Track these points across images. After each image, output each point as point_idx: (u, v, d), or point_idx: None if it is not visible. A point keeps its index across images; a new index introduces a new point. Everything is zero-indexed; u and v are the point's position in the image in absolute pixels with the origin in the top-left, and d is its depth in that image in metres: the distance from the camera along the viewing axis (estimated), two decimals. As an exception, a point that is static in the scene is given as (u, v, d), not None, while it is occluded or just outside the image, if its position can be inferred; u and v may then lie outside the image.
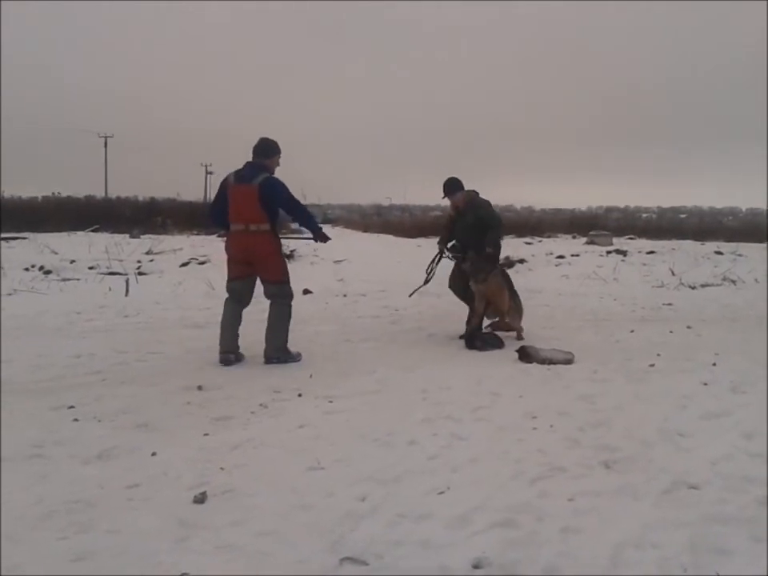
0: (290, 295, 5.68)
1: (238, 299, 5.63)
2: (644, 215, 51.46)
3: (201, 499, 2.90)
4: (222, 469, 3.22)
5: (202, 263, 14.14)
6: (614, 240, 22.85)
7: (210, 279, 10.40)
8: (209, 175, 62.54)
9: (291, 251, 15.96)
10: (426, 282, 6.97)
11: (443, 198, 6.76)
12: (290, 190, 5.60)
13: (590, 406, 4.22)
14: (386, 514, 2.76)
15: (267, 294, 5.67)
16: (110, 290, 9.70)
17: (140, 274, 11.90)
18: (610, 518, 2.73)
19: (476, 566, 2.38)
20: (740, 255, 17.79)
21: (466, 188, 6.75)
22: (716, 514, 2.74)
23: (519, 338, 6.62)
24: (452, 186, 6.68)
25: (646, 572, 2.35)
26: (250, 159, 5.61)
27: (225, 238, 5.85)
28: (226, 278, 5.72)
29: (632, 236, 26.67)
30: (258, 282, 5.67)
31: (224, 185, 5.57)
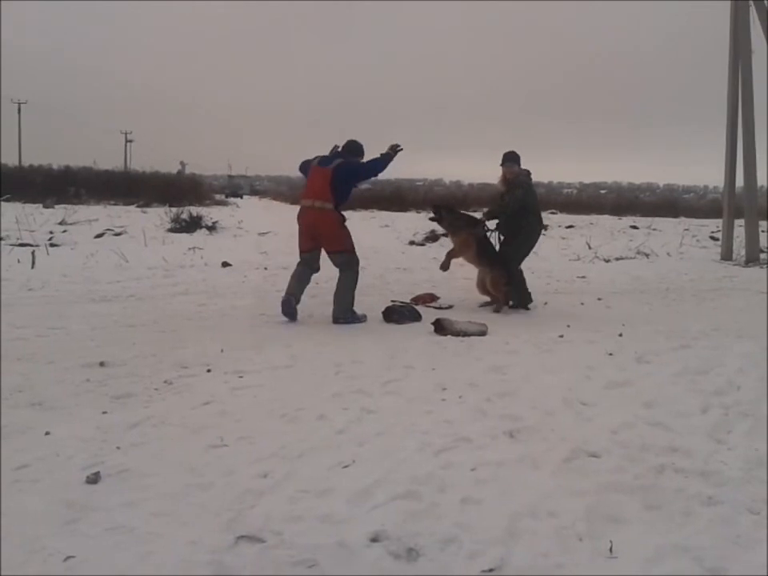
0: (356, 262, 6.27)
1: (309, 265, 6.32)
2: (566, 191, 52.72)
3: (93, 480, 2.78)
4: (117, 448, 3.09)
5: (118, 234, 13.67)
6: (537, 214, 23.37)
7: (125, 251, 10.05)
8: (128, 143, 60.36)
9: (213, 222, 15.63)
10: None
11: (500, 165, 7.10)
12: (362, 163, 6.26)
13: (499, 376, 4.28)
14: (288, 490, 2.71)
15: (335, 263, 6.29)
16: (18, 261, 9.20)
17: (52, 245, 11.43)
18: (510, 487, 2.77)
19: (374, 540, 2.37)
20: (654, 229, 18.53)
21: (522, 166, 7.07)
22: (613, 483, 2.81)
23: (495, 309, 6.86)
24: (508, 157, 7.05)
25: (542, 541, 2.38)
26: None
27: None
28: (299, 251, 6.34)
29: (554, 210, 27.38)
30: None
31: (304, 166, 6.36)
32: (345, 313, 6.12)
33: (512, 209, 6.86)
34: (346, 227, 6.21)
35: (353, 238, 6.25)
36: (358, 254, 6.30)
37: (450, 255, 7.02)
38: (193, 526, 2.45)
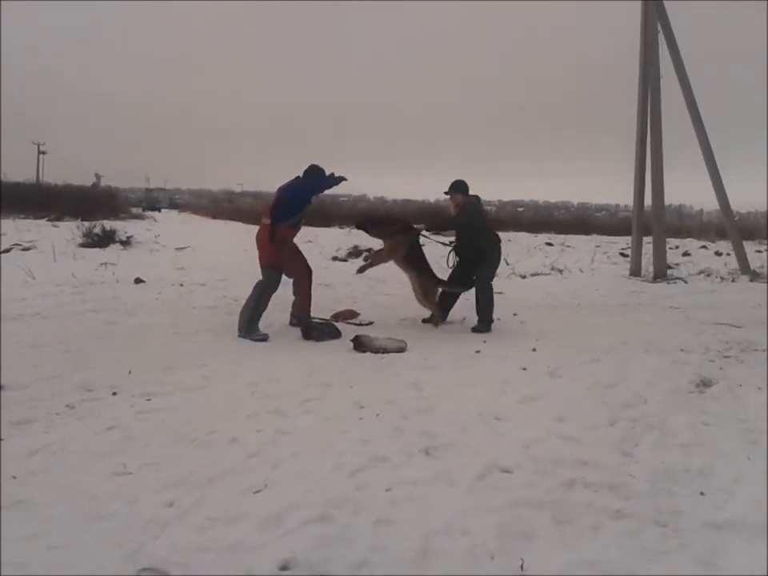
0: (269, 280, 6.30)
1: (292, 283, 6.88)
2: (486, 208, 53.96)
3: (-14, 513, 2.60)
4: (14, 477, 2.92)
5: (27, 249, 13.03)
6: (458, 231, 23.74)
7: (32, 267, 9.58)
8: (41, 155, 57.96)
9: (128, 237, 15.13)
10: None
11: (445, 193, 7.30)
12: (308, 186, 6.51)
13: (417, 393, 4.29)
14: (195, 519, 2.61)
15: None
16: None
17: (-47, 262, 10.76)
18: (424, 506, 2.75)
19: (283, 568, 2.30)
20: (568, 246, 19.15)
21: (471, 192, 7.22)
22: (525, 498, 2.83)
23: (434, 323, 7.01)
24: (453, 187, 7.18)
25: (454, 561, 2.37)
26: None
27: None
28: None
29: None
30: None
31: None
32: (241, 327, 6.16)
33: (449, 229, 7.23)
34: (279, 245, 6.28)
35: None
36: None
37: (376, 259, 7.06)
38: (93, 558, 2.33)
